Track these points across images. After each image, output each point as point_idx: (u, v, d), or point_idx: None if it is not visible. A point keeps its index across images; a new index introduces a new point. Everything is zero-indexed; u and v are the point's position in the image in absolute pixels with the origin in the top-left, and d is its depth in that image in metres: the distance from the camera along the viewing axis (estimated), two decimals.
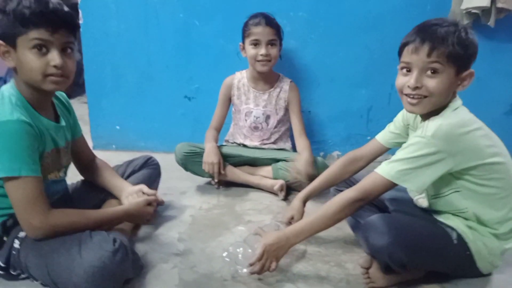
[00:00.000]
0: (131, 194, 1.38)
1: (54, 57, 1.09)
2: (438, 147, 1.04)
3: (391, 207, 1.32)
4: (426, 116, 1.14)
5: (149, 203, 1.37)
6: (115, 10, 2.28)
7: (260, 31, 1.88)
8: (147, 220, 1.40)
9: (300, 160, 1.84)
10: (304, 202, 1.49)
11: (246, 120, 2.05)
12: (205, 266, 1.31)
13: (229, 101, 2.09)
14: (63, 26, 1.10)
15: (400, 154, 1.11)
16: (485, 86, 2.16)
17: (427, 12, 2.13)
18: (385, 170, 1.11)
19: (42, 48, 1.08)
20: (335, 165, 1.47)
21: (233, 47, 2.21)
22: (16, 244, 1.14)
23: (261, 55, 1.89)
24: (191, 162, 1.93)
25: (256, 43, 1.90)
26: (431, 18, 1.12)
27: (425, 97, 1.09)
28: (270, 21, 1.90)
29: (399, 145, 1.38)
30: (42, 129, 1.14)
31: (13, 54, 1.09)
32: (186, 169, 1.95)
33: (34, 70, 1.08)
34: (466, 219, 1.14)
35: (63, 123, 1.27)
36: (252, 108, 2.03)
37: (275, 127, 2.04)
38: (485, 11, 1.99)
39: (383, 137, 1.42)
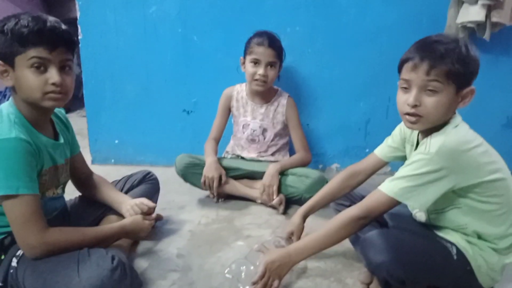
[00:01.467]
0: (131, 206, 1.38)
1: (52, 75, 1.10)
2: (442, 164, 1.04)
3: (390, 222, 1.31)
4: (426, 133, 1.14)
5: (148, 214, 1.38)
6: (114, 25, 2.30)
7: (261, 51, 1.88)
8: (144, 236, 1.40)
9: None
10: (304, 218, 1.48)
11: (243, 132, 2.06)
12: (204, 283, 1.30)
13: (228, 111, 2.10)
14: (61, 44, 1.11)
15: (403, 171, 1.10)
16: (482, 99, 2.13)
17: (423, 26, 2.15)
18: (388, 187, 1.11)
19: (40, 66, 1.09)
20: (335, 180, 1.47)
21: (232, 61, 2.23)
22: (14, 262, 1.13)
23: (259, 74, 1.89)
24: (190, 173, 1.93)
25: (256, 62, 1.90)
26: (432, 34, 1.11)
27: (426, 115, 1.08)
28: (273, 43, 1.90)
29: (397, 159, 1.39)
30: (40, 147, 1.14)
31: (11, 73, 1.10)
32: (186, 180, 1.96)
33: (33, 88, 1.09)
34: (466, 234, 1.13)
35: (61, 140, 1.28)
36: (249, 121, 2.04)
37: (272, 140, 2.05)
38: (480, 25, 2.01)
39: (381, 151, 1.42)
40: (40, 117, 1.19)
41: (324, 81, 2.29)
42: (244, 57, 1.97)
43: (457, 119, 1.12)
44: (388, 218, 1.34)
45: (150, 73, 2.37)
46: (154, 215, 1.49)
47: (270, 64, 1.91)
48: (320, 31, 2.22)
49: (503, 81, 2.19)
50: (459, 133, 1.08)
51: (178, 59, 2.33)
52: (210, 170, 1.86)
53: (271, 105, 2.03)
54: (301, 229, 1.47)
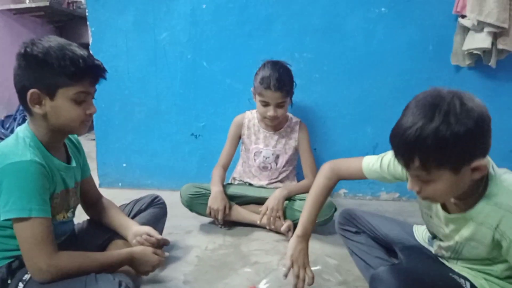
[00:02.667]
0: (137, 238, 1.37)
1: (90, 106, 1.18)
2: None
3: (400, 254, 1.28)
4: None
5: (156, 253, 1.33)
6: (125, 50, 2.36)
7: (269, 95, 1.86)
8: (149, 271, 1.34)
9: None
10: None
11: (255, 159, 2.04)
12: None
13: (238, 139, 2.09)
14: (102, 78, 1.18)
15: None
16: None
17: (429, 52, 2.18)
18: None
19: (83, 99, 1.15)
20: (322, 194, 1.35)
21: (240, 86, 2.27)
22: (20, 287, 1.12)
23: (269, 116, 1.89)
24: (196, 204, 1.91)
25: (265, 104, 1.90)
26: (410, 105, 0.92)
27: (431, 199, 0.99)
28: (280, 86, 1.85)
29: (378, 178, 1.25)
30: (53, 170, 1.16)
31: (47, 103, 1.12)
32: (191, 210, 1.94)
33: (74, 119, 1.15)
34: (482, 272, 1.10)
35: (73, 164, 1.29)
36: (261, 148, 2.03)
37: (284, 166, 2.04)
38: (486, 52, 2.03)
39: (368, 172, 1.27)
40: (55, 141, 1.21)
41: (331, 105, 2.30)
42: (254, 91, 1.95)
43: (494, 170, 0.96)
44: (398, 250, 1.31)
45: (159, 97, 2.40)
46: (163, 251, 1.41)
47: (280, 105, 1.90)
48: (327, 56, 2.25)
49: (510, 107, 2.19)
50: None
51: (187, 84, 2.37)
52: (215, 202, 1.84)
53: (284, 131, 2.03)
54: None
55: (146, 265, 1.31)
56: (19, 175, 1.05)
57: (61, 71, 1.08)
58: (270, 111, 1.88)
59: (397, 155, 0.92)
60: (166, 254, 1.42)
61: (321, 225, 1.82)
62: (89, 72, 1.14)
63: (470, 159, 0.87)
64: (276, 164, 2.03)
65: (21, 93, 1.12)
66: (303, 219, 1.32)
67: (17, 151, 1.08)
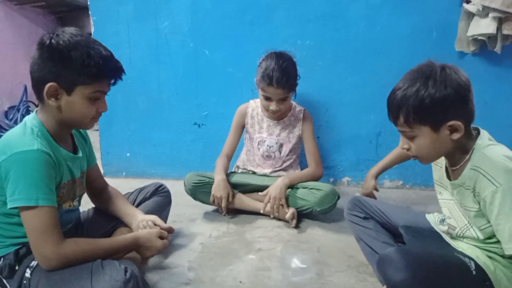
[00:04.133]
0: (142, 223, 1.38)
1: (103, 105, 1.20)
2: None
3: (406, 236, 1.29)
4: (451, 159, 1.14)
5: (161, 237, 1.34)
6: (127, 39, 2.35)
7: (272, 91, 1.83)
8: (153, 255, 1.36)
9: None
10: (376, 177, 1.64)
11: (259, 148, 2.04)
12: None
13: (242, 128, 2.08)
14: (120, 78, 1.19)
15: (506, 221, 0.98)
16: (493, 111, 2.15)
17: (432, 39, 2.16)
18: None
19: (99, 98, 1.16)
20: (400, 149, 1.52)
21: (242, 75, 2.26)
22: (27, 273, 1.13)
23: (272, 110, 1.88)
24: (200, 192, 1.92)
25: (267, 98, 1.88)
26: (406, 73, 1.09)
27: (421, 156, 1.12)
28: (283, 82, 1.80)
29: None
30: (60, 160, 1.16)
31: (63, 97, 1.12)
32: (195, 198, 1.95)
33: (86, 116, 1.16)
34: (487, 250, 1.11)
35: (80, 154, 1.29)
36: (265, 137, 2.02)
37: (287, 155, 2.03)
38: (491, 37, 2.01)
39: None
40: (63, 132, 1.22)
41: (334, 93, 2.30)
42: (257, 84, 1.91)
43: (482, 141, 1.07)
44: (403, 231, 1.32)
45: (162, 87, 2.40)
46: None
47: (283, 100, 1.88)
48: (330, 43, 2.24)
49: None
50: (496, 149, 1.05)
51: (189, 73, 2.36)
52: (218, 190, 1.85)
53: (288, 120, 2.03)
54: (374, 187, 1.64)
55: (151, 249, 1.31)
56: (26, 164, 1.06)
57: (83, 70, 1.09)
58: (273, 106, 1.87)
59: (389, 113, 1.10)
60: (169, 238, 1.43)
61: (324, 213, 1.82)
62: (110, 74, 1.15)
63: (446, 119, 1.02)
64: (280, 152, 2.03)
65: (38, 83, 1.12)
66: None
67: (24, 141, 1.09)
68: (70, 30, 1.12)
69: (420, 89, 1.02)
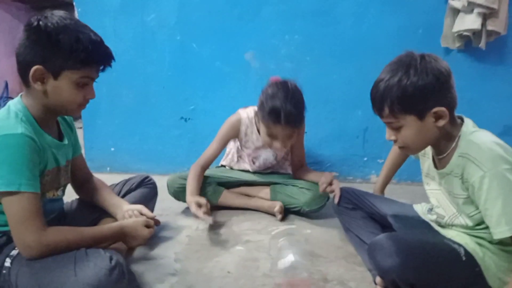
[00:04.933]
0: (128, 212, 1.35)
1: (90, 91, 1.15)
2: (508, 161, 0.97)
3: (395, 224, 1.29)
4: (437, 148, 1.15)
5: (147, 226, 1.32)
6: (113, 32, 2.31)
7: (279, 131, 1.62)
8: (140, 244, 1.35)
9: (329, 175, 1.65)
10: (383, 192, 1.61)
11: (253, 162, 1.94)
12: (203, 286, 1.26)
13: (228, 141, 1.89)
14: (109, 65, 1.15)
15: (493, 206, 0.98)
16: (478, 108, 2.19)
17: (418, 36, 2.19)
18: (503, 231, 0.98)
19: (86, 84, 1.12)
20: (393, 154, 1.57)
21: (230, 69, 2.25)
22: (7, 262, 1.09)
23: (276, 148, 1.70)
24: (183, 195, 1.75)
25: (272, 137, 1.67)
26: (388, 65, 1.10)
27: (407, 146, 1.12)
28: (293, 121, 1.59)
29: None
30: (45, 147, 1.13)
31: (50, 81, 1.08)
32: (179, 200, 1.87)
33: (72, 102, 1.12)
34: (477, 237, 1.11)
35: (65, 141, 1.26)
36: (261, 153, 1.91)
37: (282, 157, 1.97)
38: (476, 34, 2.05)
39: None
40: (48, 118, 1.18)
41: (322, 88, 2.30)
42: (259, 119, 1.71)
43: (467, 128, 1.08)
44: (392, 220, 1.32)
45: (147, 80, 2.36)
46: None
47: (289, 138, 1.67)
48: (318, 39, 2.24)
49: (499, 90, 2.22)
50: (482, 135, 1.05)
51: (176, 66, 2.34)
52: (192, 207, 1.56)
53: None
54: None
55: (138, 238, 1.29)
56: (9, 148, 1.02)
57: (71, 54, 1.05)
58: (277, 144, 1.66)
59: (373, 106, 1.11)
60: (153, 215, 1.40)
61: (312, 212, 1.81)
62: (99, 59, 1.12)
63: (430, 106, 1.03)
64: (275, 160, 1.95)
65: (24, 66, 1.08)
66: None
67: (8, 124, 1.05)
68: (59, 13, 1.09)
69: (402, 78, 1.02)
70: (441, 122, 1.05)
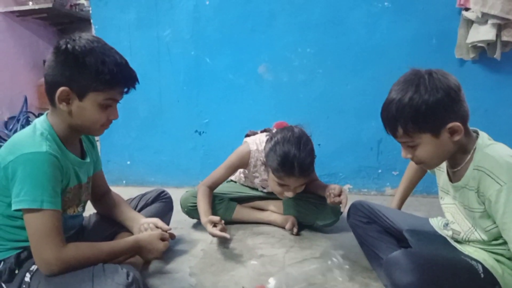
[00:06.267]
0: (143, 225, 1.37)
1: (114, 112, 1.18)
2: None
3: (411, 239, 1.28)
4: (452, 162, 1.13)
5: (162, 239, 1.33)
6: (129, 47, 2.36)
7: (292, 181, 1.60)
8: (157, 257, 1.35)
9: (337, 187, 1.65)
10: (400, 209, 1.57)
11: (263, 188, 1.94)
12: None
13: (237, 170, 1.88)
14: (133, 87, 1.18)
15: (510, 220, 0.98)
16: (493, 117, 2.16)
17: (432, 46, 2.18)
18: None
19: (111, 105, 1.15)
20: (410, 170, 1.53)
21: (243, 81, 2.27)
22: (27, 277, 1.11)
23: (286, 196, 1.67)
24: (197, 213, 1.77)
25: (283, 185, 1.64)
26: (395, 83, 1.10)
27: (425, 162, 1.11)
28: (305, 170, 1.57)
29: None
30: (68, 164, 1.16)
31: (75, 102, 1.11)
32: (193, 218, 1.88)
33: (96, 122, 1.15)
34: (494, 253, 1.10)
35: (88, 159, 1.29)
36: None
37: None
38: (491, 44, 2.03)
39: None
40: (72, 136, 1.21)
41: (335, 100, 2.30)
42: (267, 169, 1.68)
43: (483, 141, 1.08)
44: (408, 235, 1.31)
45: (163, 94, 2.40)
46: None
47: (300, 186, 1.65)
48: (330, 50, 2.25)
49: None
50: (497, 148, 1.05)
51: (190, 80, 2.37)
52: (209, 228, 1.56)
53: None
54: None
55: (153, 251, 1.30)
56: (34, 165, 1.05)
57: (97, 76, 1.08)
58: (289, 193, 1.64)
59: (385, 127, 1.11)
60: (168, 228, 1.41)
61: (326, 227, 1.81)
62: (123, 82, 1.14)
63: (445, 122, 1.02)
64: None
65: (51, 86, 1.11)
66: None
67: (33, 142, 1.08)
68: (87, 36, 1.13)
69: (414, 97, 1.01)
70: (457, 137, 1.04)
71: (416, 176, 1.53)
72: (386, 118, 1.09)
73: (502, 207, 0.98)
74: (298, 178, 1.58)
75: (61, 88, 1.09)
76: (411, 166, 1.53)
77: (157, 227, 1.38)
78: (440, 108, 1.01)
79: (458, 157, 1.11)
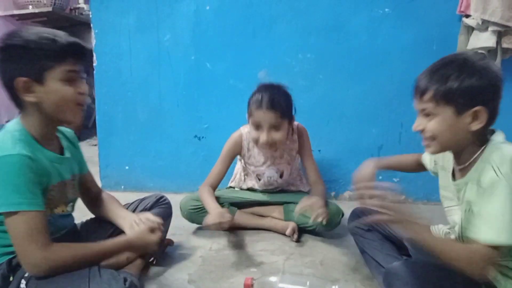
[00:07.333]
0: (135, 221, 1.34)
1: (80, 85, 1.15)
2: None
3: (412, 248, 1.26)
4: (459, 158, 1.10)
5: (152, 230, 1.32)
6: (128, 51, 2.35)
7: (261, 116, 1.65)
8: (153, 250, 1.35)
9: (310, 199, 1.66)
10: (376, 169, 1.40)
11: (259, 179, 1.94)
12: None
13: (233, 158, 1.91)
14: (84, 55, 1.16)
15: (493, 209, 0.96)
16: (494, 125, 2.15)
17: (433, 51, 2.17)
18: (490, 236, 0.96)
19: (73, 79, 1.13)
20: (410, 156, 1.44)
21: (243, 86, 2.26)
22: (23, 284, 1.09)
23: (262, 141, 1.69)
24: (197, 217, 1.81)
25: (257, 126, 1.69)
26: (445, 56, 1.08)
27: (433, 139, 1.06)
28: (273, 105, 1.64)
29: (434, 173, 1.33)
30: (46, 162, 1.13)
31: (38, 89, 1.09)
32: (193, 222, 1.87)
33: (68, 100, 1.12)
34: (496, 264, 1.07)
35: (67, 155, 1.26)
36: (264, 170, 1.91)
37: (290, 175, 1.95)
38: (491, 51, 2.02)
39: (424, 159, 1.37)
40: (47, 133, 1.18)
41: (336, 106, 2.29)
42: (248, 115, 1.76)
43: (498, 139, 1.05)
44: (408, 244, 1.29)
45: (162, 99, 2.39)
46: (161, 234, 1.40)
47: (274, 127, 1.68)
48: (331, 55, 2.25)
49: None
50: (510, 147, 1.02)
51: (190, 85, 2.36)
52: (219, 217, 1.55)
53: (284, 144, 1.85)
54: (372, 179, 1.36)
55: (149, 245, 1.30)
56: (7, 169, 1.03)
57: (41, 53, 1.07)
58: (263, 136, 1.67)
59: (417, 85, 1.05)
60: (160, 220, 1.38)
61: (327, 231, 1.79)
62: (69, 49, 1.11)
63: (474, 104, 0.99)
64: (281, 177, 1.93)
65: (10, 86, 1.09)
66: None
67: (5, 146, 1.06)
68: (26, 28, 1.12)
69: (463, 70, 0.98)
70: (475, 126, 1.00)
71: (410, 164, 1.45)
72: (424, 77, 1.03)
73: (489, 197, 0.96)
74: (266, 112, 1.64)
75: (17, 79, 1.07)
76: (412, 156, 1.45)
77: (148, 220, 1.36)
78: (479, 90, 0.98)
79: (468, 152, 1.07)
